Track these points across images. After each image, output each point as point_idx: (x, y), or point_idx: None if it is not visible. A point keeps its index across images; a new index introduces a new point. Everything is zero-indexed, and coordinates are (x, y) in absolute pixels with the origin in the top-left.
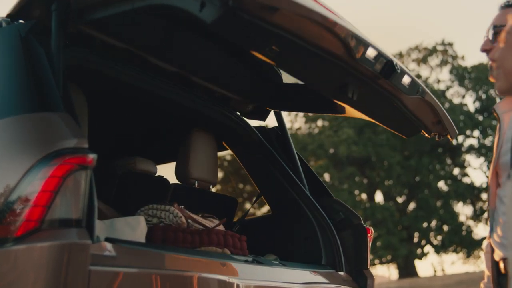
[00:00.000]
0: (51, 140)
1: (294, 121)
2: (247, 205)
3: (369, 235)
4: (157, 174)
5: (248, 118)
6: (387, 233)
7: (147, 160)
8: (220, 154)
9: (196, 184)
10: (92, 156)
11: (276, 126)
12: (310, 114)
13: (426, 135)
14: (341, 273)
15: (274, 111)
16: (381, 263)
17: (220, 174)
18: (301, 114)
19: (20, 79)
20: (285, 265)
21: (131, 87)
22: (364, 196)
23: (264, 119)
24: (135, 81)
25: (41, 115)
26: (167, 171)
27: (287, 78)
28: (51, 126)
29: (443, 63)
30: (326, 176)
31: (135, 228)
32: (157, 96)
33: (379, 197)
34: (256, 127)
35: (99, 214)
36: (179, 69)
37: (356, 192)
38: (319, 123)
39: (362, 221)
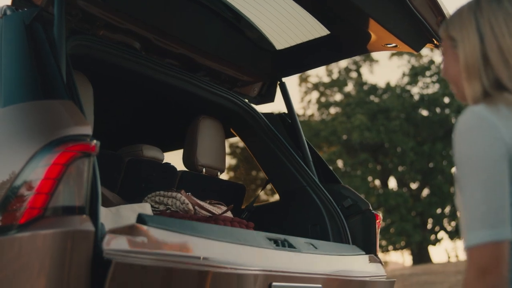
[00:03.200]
0: (54, 128)
1: (306, 108)
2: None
3: (377, 221)
4: (165, 161)
5: (256, 103)
6: (400, 220)
7: (154, 147)
8: (232, 141)
9: (204, 171)
10: (95, 143)
11: (284, 112)
12: (322, 100)
13: (436, 42)
14: None
15: (280, 89)
16: (395, 249)
17: (232, 161)
18: (314, 100)
19: (24, 67)
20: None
21: (137, 74)
22: (377, 182)
23: (272, 99)
24: (140, 68)
25: (44, 102)
26: (175, 158)
27: (279, 45)
28: (54, 113)
29: None
30: (339, 163)
31: None
32: (164, 83)
33: (392, 183)
34: (264, 113)
35: (105, 202)
36: (182, 48)
37: (369, 178)
38: (332, 110)
39: (371, 207)
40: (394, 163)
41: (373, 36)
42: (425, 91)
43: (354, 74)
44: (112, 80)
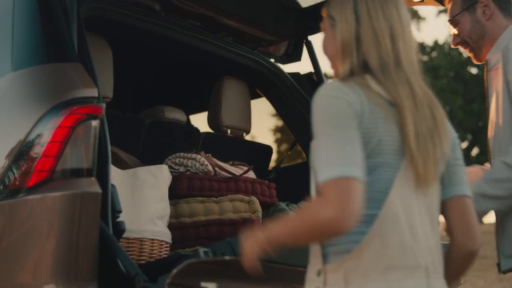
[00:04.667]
0: (61, 90)
1: None
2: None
3: None
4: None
5: (283, 62)
6: None
7: (176, 109)
8: None
9: (229, 132)
10: (101, 105)
11: (310, 72)
12: None
13: None
14: None
15: (306, 48)
16: None
17: (279, 123)
18: None
19: (34, 30)
20: None
21: (156, 35)
22: None
23: (298, 58)
24: (160, 30)
25: (53, 65)
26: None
27: (304, 3)
28: (61, 76)
29: None
30: None
31: (158, 176)
32: (185, 44)
33: None
34: (290, 73)
35: (122, 164)
36: (203, 8)
37: None
38: None
39: None
40: None
41: None
42: None
43: None
44: (132, 43)
